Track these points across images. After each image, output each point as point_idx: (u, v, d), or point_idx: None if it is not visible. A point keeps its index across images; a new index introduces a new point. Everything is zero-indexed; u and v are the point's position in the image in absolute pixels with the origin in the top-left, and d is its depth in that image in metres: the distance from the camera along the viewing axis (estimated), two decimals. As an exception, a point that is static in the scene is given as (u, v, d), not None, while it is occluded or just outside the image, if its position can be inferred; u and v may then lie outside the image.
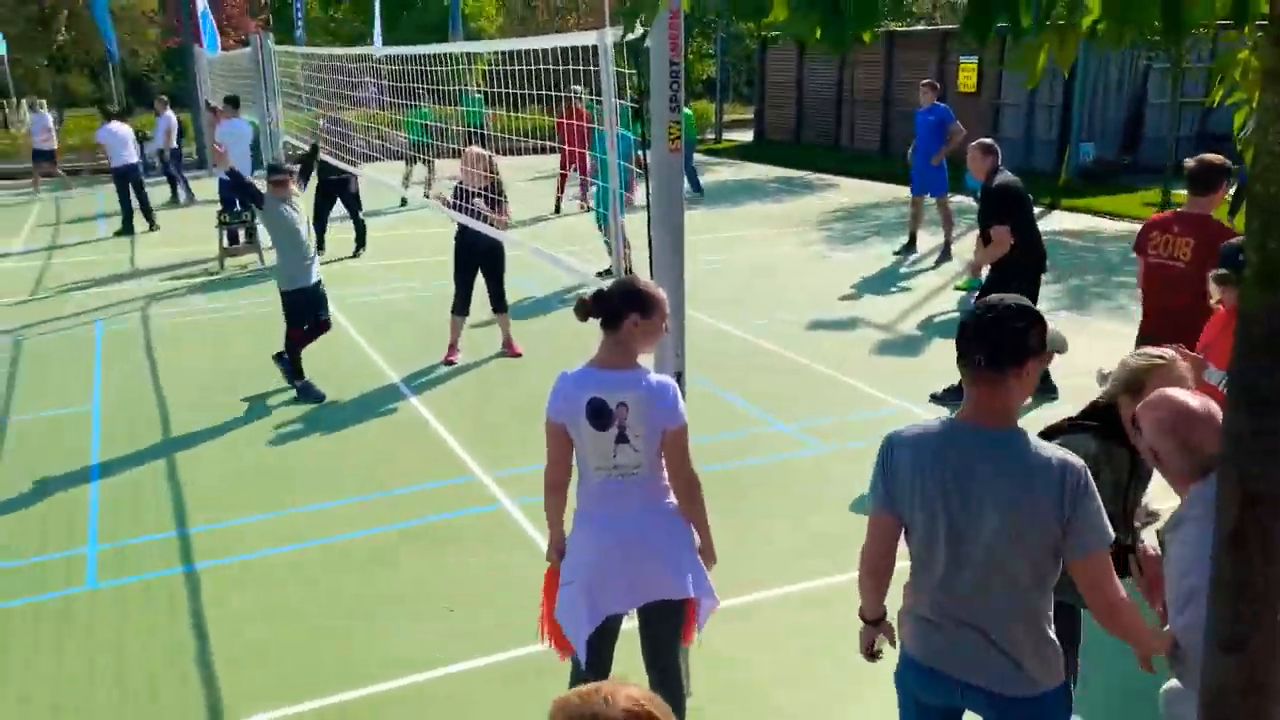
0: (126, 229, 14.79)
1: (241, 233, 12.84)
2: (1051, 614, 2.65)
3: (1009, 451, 2.54)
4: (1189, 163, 5.55)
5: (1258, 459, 1.78)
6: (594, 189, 11.01)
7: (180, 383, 8.13)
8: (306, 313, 7.66)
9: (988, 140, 7.70)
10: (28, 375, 8.41)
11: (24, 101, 29.36)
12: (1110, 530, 2.53)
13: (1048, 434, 3.15)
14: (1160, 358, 3.13)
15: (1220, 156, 5.60)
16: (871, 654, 2.95)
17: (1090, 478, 2.51)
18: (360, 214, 12.68)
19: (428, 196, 12.53)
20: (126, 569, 5.21)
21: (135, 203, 14.80)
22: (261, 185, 7.61)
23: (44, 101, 21.67)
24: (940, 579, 2.64)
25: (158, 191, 17.08)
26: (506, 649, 4.44)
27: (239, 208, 12.62)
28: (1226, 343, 3.89)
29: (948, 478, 2.57)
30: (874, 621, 2.89)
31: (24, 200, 18.56)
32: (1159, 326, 5.19)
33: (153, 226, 15.01)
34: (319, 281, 7.70)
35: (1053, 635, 2.65)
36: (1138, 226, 6.63)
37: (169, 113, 17.74)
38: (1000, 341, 2.52)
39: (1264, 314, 1.75)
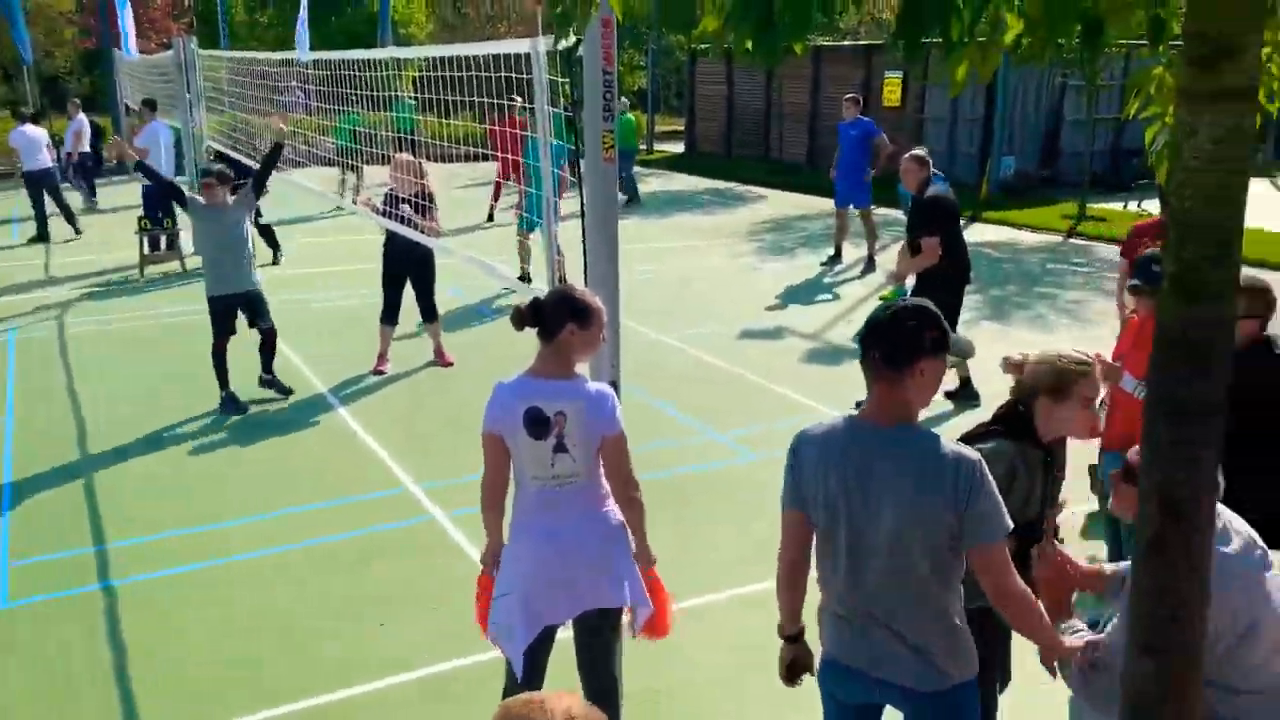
0: (41, 235, 14.29)
1: (163, 239, 12.51)
2: (960, 607, 2.69)
3: (907, 447, 2.59)
4: None
5: (1177, 467, 1.84)
6: (526, 196, 10.96)
7: (99, 394, 7.88)
8: (227, 320, 7.49)
9: (921, 152, 7.79)
10: (-66, 386, 8.08)
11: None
12: (1008, 522, 2.57)
13: (965, 439, 3.19)
14: (1086, 363, 3.16)
15: None
16: (791, 676, 2.93)
17: (985, 470, 2.56)
18: (260, 219, 12.44)
19: (355, 203, 12.36)
20: (42, 586, 5.03)
21: (53, 208, 14.33)
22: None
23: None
24: (845, 575, 2.69)
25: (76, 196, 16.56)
26: (437, 663, 4.38)
27: (160, 214, 12.31)
28: (1142, 351, 4.01)
29: (849, 474, 2.63)
30: (792, 638, 2.90)
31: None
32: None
33: (77, 232, 14.55)
34: (248, 290, 7.52)
35: (962, 625, 2.68)
36: (1055, 238, 6.82)
37: (80, 116, 17.23)
38: (896, 340, 2.59)
39: (1180, 324, 1.81)
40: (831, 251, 13.08)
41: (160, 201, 12.59)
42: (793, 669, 2.93)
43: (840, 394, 7.62)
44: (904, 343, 2.59)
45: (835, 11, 2.11)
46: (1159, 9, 2.30)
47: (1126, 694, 2.00)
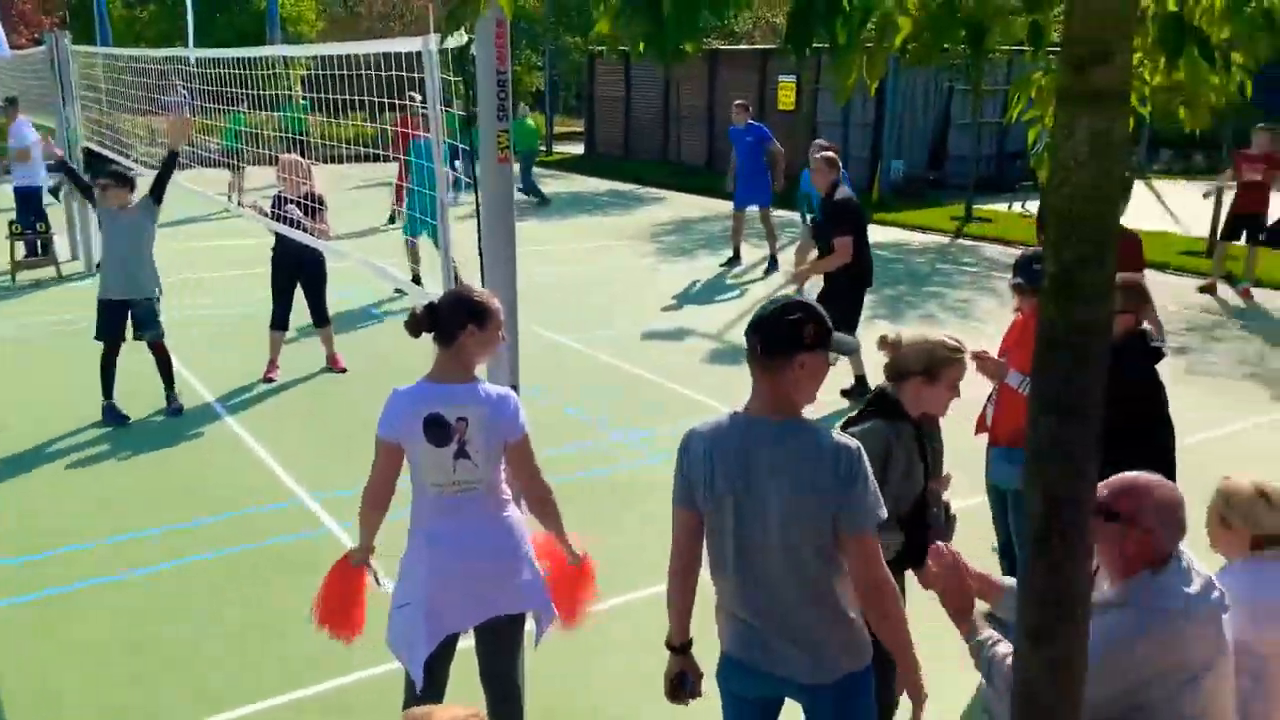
0: None
1: (39, 244, 11.93)
2: (853, 597, 2.71)
3: (790, 440, 2.63)
4: None
5: (1059, 463, 1.88)
6: (411, 197, 10.77)
7: (-35, 407, 7.47)
8: (114, 326, 7.17)
9: (832, 154, 7.86)
10: None
11: None
12: (882, 512, 2.61)
13: (845, 424, 3.33)
14: (957, 348, 3.33)
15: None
16: (674, 690, 2.88)
17: (864, 459, 2.60)
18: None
19: (239, 205, 11.98)
20: (-99, 613, 4.73)
21: None
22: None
23: None
24: (736, 572, 2.70)
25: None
26: (338, 676, 4.26)
27: (34, 218, 11.76)
28: (1026, 348, 4.14)
29: (734, 468, 2.65)
30: (679, 649, 2.87)
31: None
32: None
33: None
34: (140, 299, 7.18)
35: (854, 617, 2.71)
36: (944, 239, 7.03)
37: None
38: (778, 334, 2.62)
39: (1060, 323, 1.86)
40: (730, 253, 13.22)
41: (35, 205, 12.02)
42: (677, 682, 2.87)
43: (742, 393, 7.66)
44: (785, 336, 2.62)
45: (724, 12, 2.11)
46: (1038, 15, 2.37)
47: (1017, 686, 2.05)
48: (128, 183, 7.21)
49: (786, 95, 20.75)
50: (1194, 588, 2.55)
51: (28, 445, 6.75)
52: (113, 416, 7.16)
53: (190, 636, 4.61)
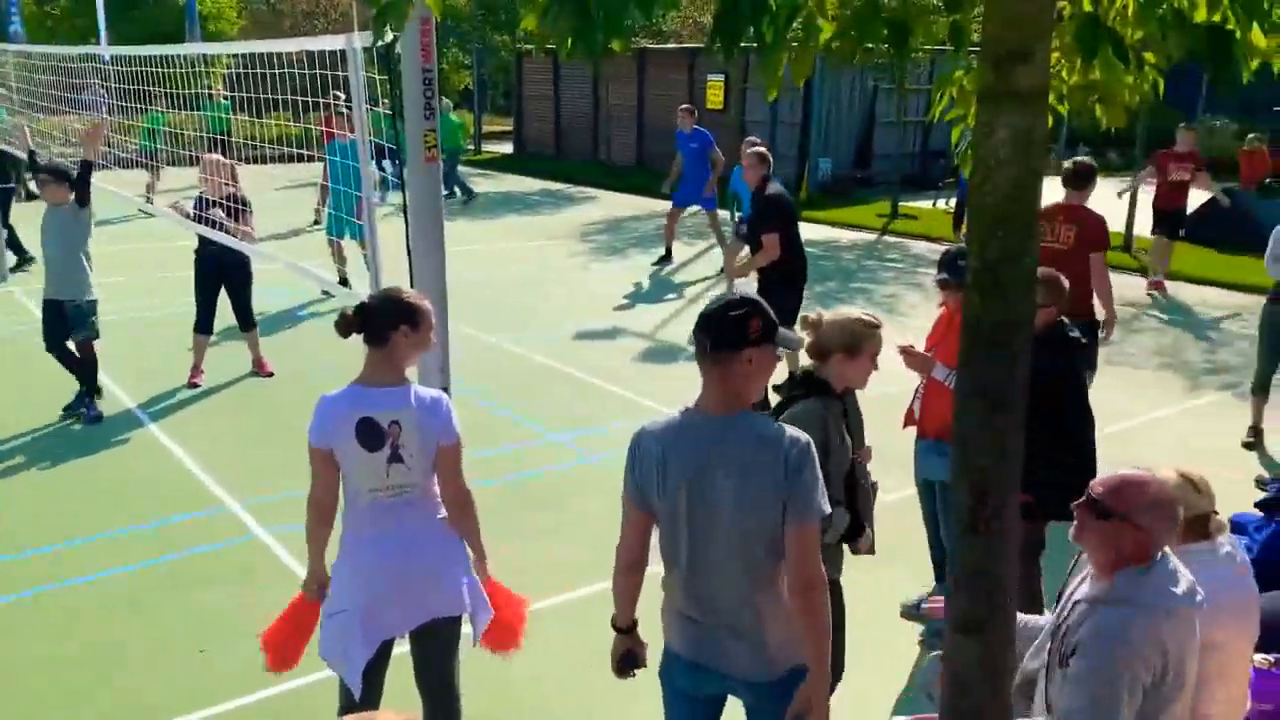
0: None
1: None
2: None
3: (739, 434, 2.65)
4: (1067, 164, 6.62)
5: (985, 453, 1.93)
6: (334, 197, 10.61)
7: None
8: (53, 328, 7.08)
9: (763, 149, 7.87)
10: None
11: None
12: (824, 507, 2.64)
13: (778, 410, 3.41)
14: (875, 324, 3.49)
15: (1090, 159, 6.79)
16: (622, 667, 2.97)
17: (812, 451, 2.63)
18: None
19: (149, 201, 11.68)
20: None
21: None
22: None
23: None
24: (685, 567, 2.72)
25: None
26: (265, 687, 4.17)
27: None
28: (952, 342, 4.22)
29: (686, 465, 2.67)
30: (625, 630, 2.95)
31: None
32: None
33: None
34: (70, 300, 7.01)
35: None
36: (872, 236, 7.15)
37: None
38: (725, 329, 2.65)
39: (984, 317, 1.90)
40: (662, 251, 13.27)
41: None
42: (624, 661, 2.96)
43: (676, 392, 7.70)
44: (732, 332, 2.64)
45: (652, 10, 2.11)
46: (958, 16, 2.41)
47: (947, 674, 2.09)
48: (66, 179, 6.99)
49: (715, 94, 20.87)
50: (1181, 587, 2.59)
51: (-63, 457, 6.50)
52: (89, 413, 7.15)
53: (119, 648, 4.47)
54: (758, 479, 2.60)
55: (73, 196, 6.95)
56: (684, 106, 13.32)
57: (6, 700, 4.11)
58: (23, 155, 11.92)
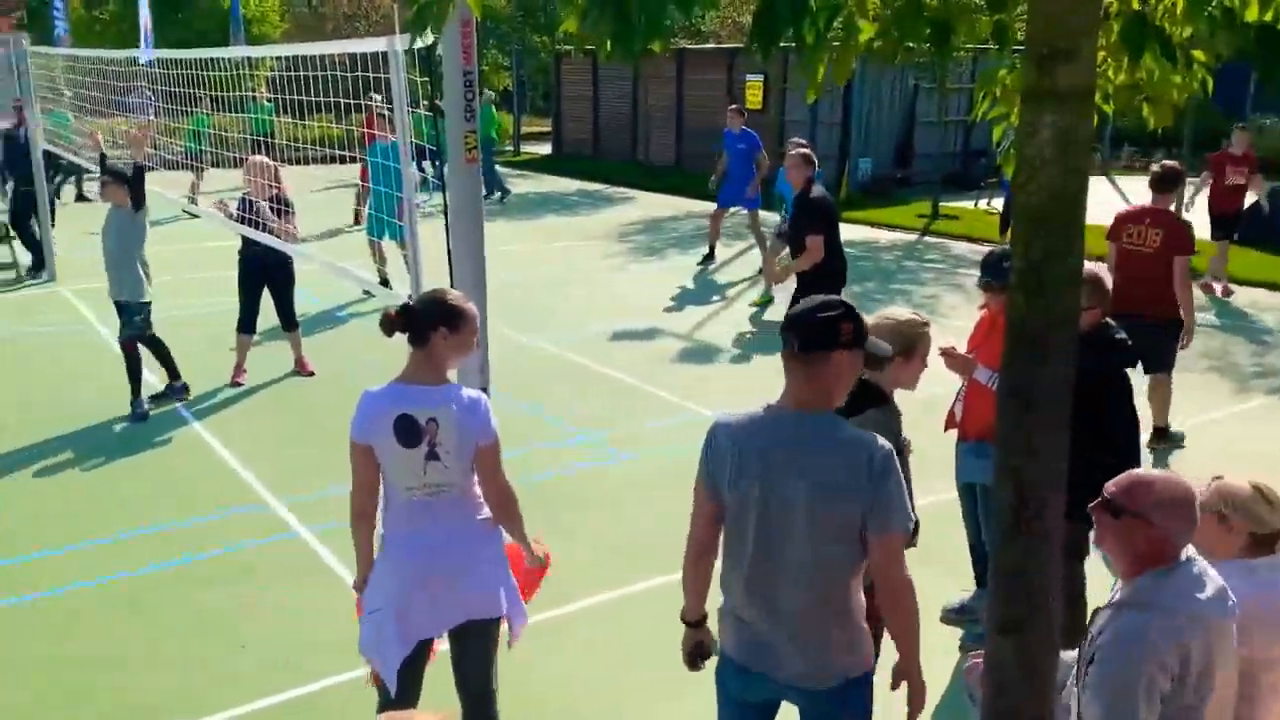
0: None
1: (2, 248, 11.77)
2: (861, 600, 2.74)
3: (820, 434, 2.62)
4: (1155, 167, 6.65)
5: (1027, 453, 1.90)
6: (373, 198, 10.71)
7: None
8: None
9: (807, 150, 7.80)
10: None
11: None
12: (912, 516, 2.63)
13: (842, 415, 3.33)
14: (926, 323, 3.44)
15: (1176, 163, 6.83)
16: (692, 660, 2.96)
17: (894, 458, 2.61)
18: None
19: (193, 202, 11.84)
20: None
21: None
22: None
23: None
24: (749, 565, 2.69)
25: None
26: (304, 684, 4.23)
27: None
28: (994, 344, 4.18)
29: (759, 462, 2.64)
30: (695, 623, 2.93)
31: None
32: (1130, 300, 5.88)
33: None
34: (121, 300, 7.22)
35: (860, 624, 2.73)
36: (912, 237, 7.12)
37: None
38: (812, 328, 2.63)
39: (1028, 319, 1.88)
40: (705, 251, 13.25)
41: (20, 205, 11.90)
42: (694, 654, 2.95)
43: (711, 394, 7.71)
44: (822, 333, 2.63)
45: (691, 11, 2.11)
46: (1002, 15, 2.39)
47: (986, 674, 2.07)
48: (126, 181, 7.13)
49: (754, 94, 20.81)
50: (1208, 592, 2.54)
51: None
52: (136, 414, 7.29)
53: (167, 641, 4.55)
54: (834, 482, 2.57)
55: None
56: (733, 107, 13.29)
57: (63, 695, 4.19)
58: (73, 159, 12.18)
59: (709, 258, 13.14)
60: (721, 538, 2.80)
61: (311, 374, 8.29)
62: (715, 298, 11.37)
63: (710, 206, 13.41)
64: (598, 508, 5.91)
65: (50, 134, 12.38)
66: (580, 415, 7.43)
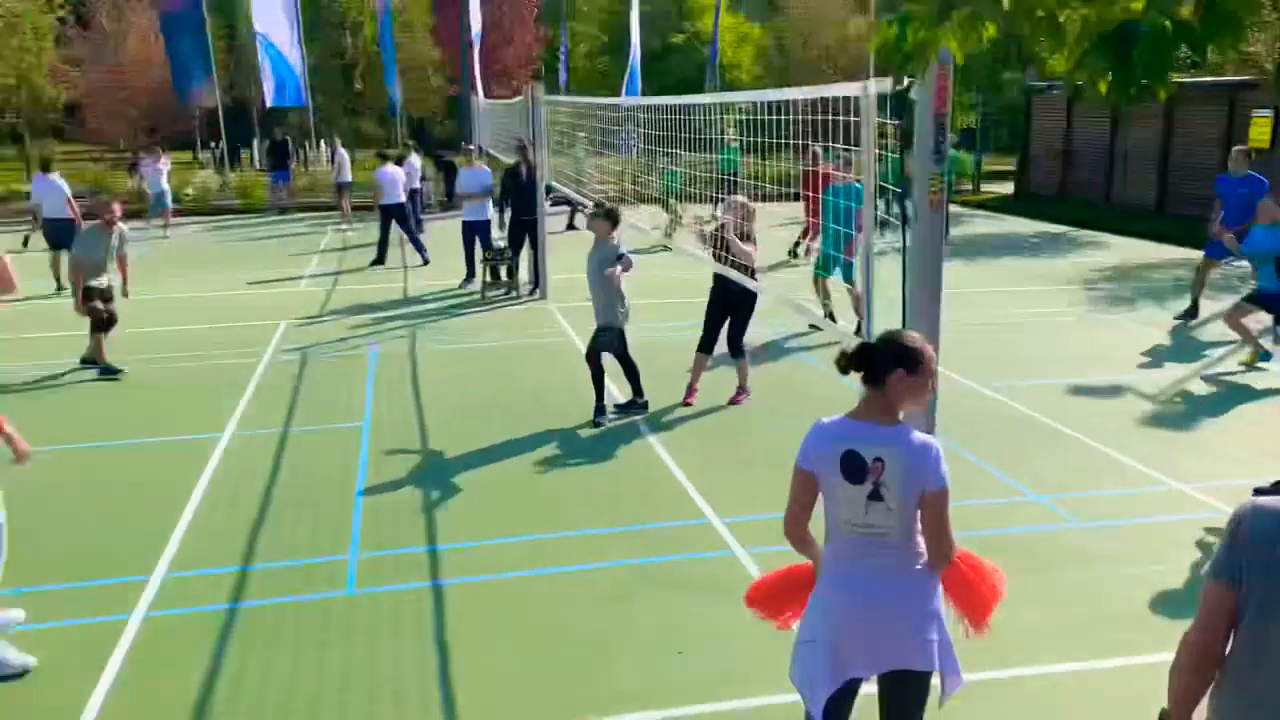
0: (380, 259, 16.09)
1: (503, 270, 13.65)
2: None
3: None
4: None
5: None
6: (825, 235, 10.96)
7: (443, 406, 8.66)
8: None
9: None
10: (309, 390, 9.23)
11: (323, 141, 32.44)
12: None
13: None
14: None
15: None
16: None
17: None
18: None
19: (668, 235, 12.83)
20: (383, 579, 5.57)
21: (398, 237, 16.00)
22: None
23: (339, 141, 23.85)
24: (1271, 672, 2.34)
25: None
26: (731, 698, 4.40)
27: (502, 246, 13.59)
28: None
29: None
30: None
31: (313, 230, 20.54)
32: None
33: (425, 260, 16.13)
34: (603, 324, 8.12)
35: None
36: None
37: (412, 158, 18.98)
38: None
39: None
40: (1188, 305, 11.94)
41: (484, 237, 13.83)
42: None
43: (1181, 465, 6.90)
44: None
45: (1204, 52, 1.93)
46: None
47: None
48: (610, 216, 8.06)
49: (1260, 132, 18.39)
50: None
51: (488, 445, 7.68)
52: (600, 416, 8.16)
53: (602, 633, 4.98)
54: None
55: (615, 233, 7.93)
56: (1239, 148, 11.95)
57: (503, 665, 4.74)
58: (569, 193, 13.81)
59: (1191, 313, 11.79)
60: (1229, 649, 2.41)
61: (739, 402, 8.60)
62: (1195, 357, 10.17)
63: (1196, 255, 12.02)
64: (1038, 572, 5.52)
65: (561, 174, 14.18)
66: (1028, 471, 7.00)
